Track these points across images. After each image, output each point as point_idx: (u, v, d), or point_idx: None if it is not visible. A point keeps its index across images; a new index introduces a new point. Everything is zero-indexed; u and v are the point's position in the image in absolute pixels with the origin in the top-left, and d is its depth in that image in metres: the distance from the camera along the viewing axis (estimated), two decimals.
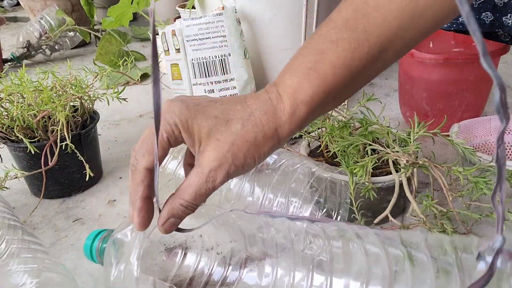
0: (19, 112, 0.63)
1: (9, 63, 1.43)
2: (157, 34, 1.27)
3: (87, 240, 0.45)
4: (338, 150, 0.55)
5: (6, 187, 0.62)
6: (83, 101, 0.69)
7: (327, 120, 0.63)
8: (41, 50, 1.46)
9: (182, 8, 1.24)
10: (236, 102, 0.37)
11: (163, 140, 0.34)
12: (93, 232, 0.46)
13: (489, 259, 0.28)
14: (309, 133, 0.66)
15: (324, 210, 0.53)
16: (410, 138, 0.53)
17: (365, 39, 0.36)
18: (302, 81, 0.36)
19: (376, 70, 0.39)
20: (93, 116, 0.73)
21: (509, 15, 0.57)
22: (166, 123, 0.34)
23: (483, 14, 0.59)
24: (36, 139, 0.65)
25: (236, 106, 0.36)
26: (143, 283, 0.39)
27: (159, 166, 0.35)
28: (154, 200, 0.37)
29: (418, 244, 0.37)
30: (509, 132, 0.72)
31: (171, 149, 0.37)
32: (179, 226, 0.38)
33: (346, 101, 0.71)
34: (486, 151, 0.72)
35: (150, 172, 0.35)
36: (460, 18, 0.61)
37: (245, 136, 0.35)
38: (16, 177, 0.62)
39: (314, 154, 0.65)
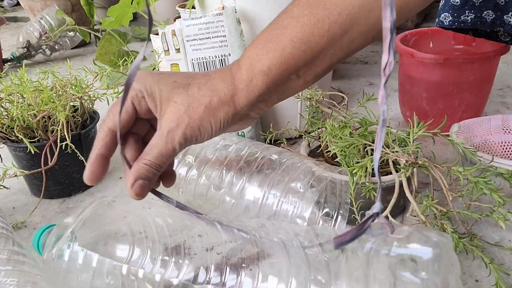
0: (19, 112, 0.63)
1: (9, 63, 1.43)
2: (157, 34, 1.27)
3: (34, 236, 0.46)
4: (338, 151, 0.55)
5: (6, 187, 0.62)
6: (83, 101, 0.69)
7: (327, 120, 0.63)
8: (41, 50, 1.46)
9: (182, 8, 1.24)
10: (199, 73, 0.39)
11: (127, 103, 0.37)
12: (41, 228, 0.47)
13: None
14: (309, 133, 0.66)
15: (324, 210, 0.53)
16: (410, 138, 0.53)
17: (325, 16, 0.37)
18: (260, 52, 0.38)
19: (343, 50, 0.39)
20: (93, 116, 0.73)
21: (510, 13, 0.57)
22: (132, 89, 0.37)
23: (485, 12, 0.59)
24: (36, 139, 0.65)
25: (198, 75, 0.38)
26: (85, 258, 0.39)
27: (126, 130, 0.38)
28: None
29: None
30: (509, 132, 0.72)
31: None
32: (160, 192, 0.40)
33: (346, 100, 0.71)
34: (486, 151, 0.72)
35: (112, 132, 0.37)
36: (461, 17, 0.61)
37: (201, 99, 0.37)
38: (15, 175, 0.62)
39: (314, 154, 0.65)
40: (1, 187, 0.61)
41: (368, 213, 0.30)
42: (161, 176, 0.40)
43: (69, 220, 0.43)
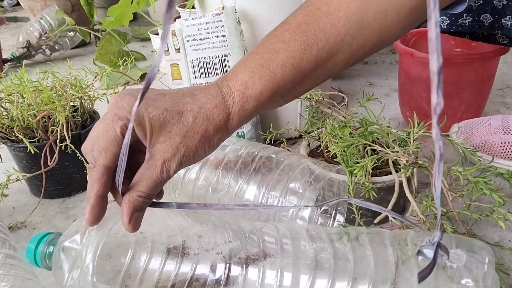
0: (19, 112, 0.63)
1: (9, 63, 1.43)
2: (157, 34, 1.27)
3: (30, 244, 0.44)
4: (338, 151, 0.55)
5: (5, 194, 0.62)
6: (83, 101, 0.69)
7: (327, 120, 0.63)
8: (41, 50, 1.46)
9: (182, 8, 1.24)
10: (184, 94, 0.38)
11: (116, 135, 0.35)
12: (37, 235, 0.44)
13: (428, 252, 0.33)
14: (309, 133, 0.66)
15: (323, 208, 0.53)
16: (410, 138, 0.53)
17: (314, 42, 0.39)
18: (253, 76, 0.38)
19: (325, 74, 0.41)
20: (93, 116, 0.73)
21: (508, 16, 0.57)
22: (118, 118, 0.35)
23: (482, 15, 0.59)
24: (36, 139, 0.65)
25: (186, 99, 0.37)
26: None
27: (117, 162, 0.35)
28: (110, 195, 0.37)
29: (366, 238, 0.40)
30: (509, 132, 0.72)
31: None
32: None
33: (346, 100, 0.71)
34: (486, 151, 0.72)
35: (108, 170, 0.35)
36: (459, 20, 0.61)
37: (197, 128, 0.36)
38: (18, 180, 0.63)
39: (314, 154, 0.65)
40: (2, 196, 0.61)
41: (431, 241, 0.33)
42: None
43: (77, 237, 0.42)
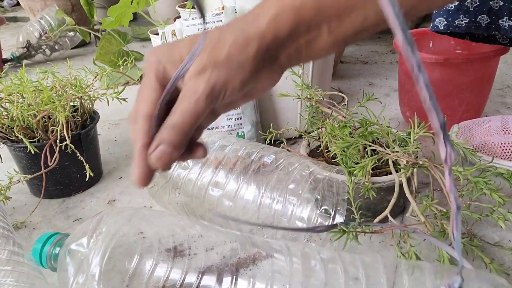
0: (19, 112, 0.63)
1: (9, 63, 1.43)
2: (157, 34, 1.27)
3: (36, 244, 0.44)
4: (338, 151, 0.55)
5: (8, 197, 0.62)
6: (83, 101, 0.69)
7: (327, 120, 0.63)
8: (41, 50, 1.46)
9: (182, 8, 1.24)
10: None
11: (151, 81, 0.33)
12: (43, 235, 0.44)
13: None
14: (309, 133, 0.66)
15: (322, 208, 0.53)
16: (410, 138, 0.53)
17: None
18: None
19: (377, 13, 0.33)
20: (93, 116, 0.73)
21: (505, 17, 0.57)
22: (149, 64, 0.33)
23: (479, 16, 0.59)
24: (36, 139, 0.65)
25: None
26: None
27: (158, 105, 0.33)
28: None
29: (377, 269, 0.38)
30: (508, 133, 0.72)
31: None
32: None
33: (346, 100, 0.70)
34: (486, 152, 0.72)
35: (150, 119, 0.32)
36: (456, 21, 0.61)
37: (224, 40, 0.32)
38: (19, 181, 0.63)
39: (314, 154, 0.65)
40: (5, 199, 0.62)
41: (450, 285, 0.30)
42: (191, 150, 0.35)
43: (84, 240, 0.42)
